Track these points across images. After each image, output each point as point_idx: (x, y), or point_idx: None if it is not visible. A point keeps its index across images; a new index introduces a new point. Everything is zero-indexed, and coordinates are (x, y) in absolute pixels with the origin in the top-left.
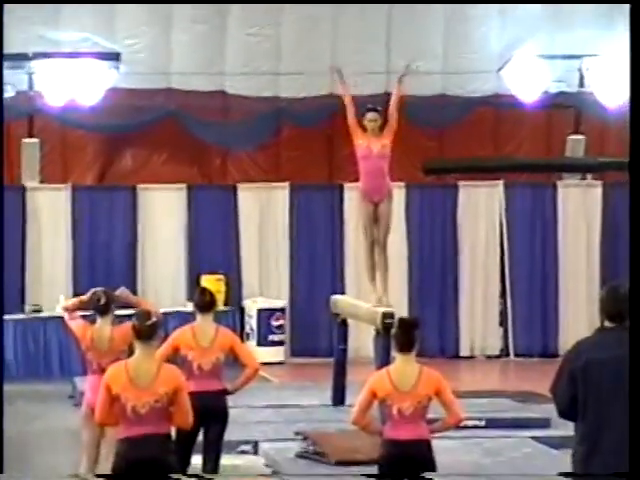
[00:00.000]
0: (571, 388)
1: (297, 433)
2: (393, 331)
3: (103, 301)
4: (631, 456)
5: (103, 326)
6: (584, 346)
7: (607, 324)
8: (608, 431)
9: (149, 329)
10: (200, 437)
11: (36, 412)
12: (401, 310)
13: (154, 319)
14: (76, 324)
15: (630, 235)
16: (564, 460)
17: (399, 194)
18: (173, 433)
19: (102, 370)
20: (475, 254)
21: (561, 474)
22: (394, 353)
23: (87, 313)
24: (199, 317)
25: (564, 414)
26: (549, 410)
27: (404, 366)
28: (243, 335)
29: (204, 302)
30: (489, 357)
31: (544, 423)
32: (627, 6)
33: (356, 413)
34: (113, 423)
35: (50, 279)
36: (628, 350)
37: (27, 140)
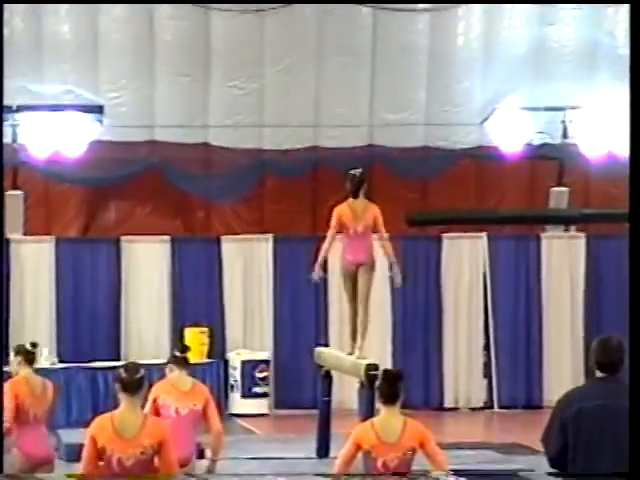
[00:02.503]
0: (562, 436)
1: None
2: (377, 383)
3: (35, 350)
4: (631, 456)
5: (32, 375)
6: (575, 395)
7: (598, 374)
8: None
9: (137, 382)
10: None
11: None
12: (385, 362)
13: (142, 372)
14: (7, 392)
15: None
16: None
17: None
18: None
19: (37, 420)
20: (459, 306)
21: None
22: (378, 405)
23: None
24: (176, 371)
25: (555, 462)
26: (533, 462)
27: (389, 418)
28: (227, 387)
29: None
30: (473, 409)
31: (528, 475)
32: (608, 56)
33: (340, 465)
34: (98, 476)
35: (33, 331)
36: (618, 400)
37: (11, 192)
